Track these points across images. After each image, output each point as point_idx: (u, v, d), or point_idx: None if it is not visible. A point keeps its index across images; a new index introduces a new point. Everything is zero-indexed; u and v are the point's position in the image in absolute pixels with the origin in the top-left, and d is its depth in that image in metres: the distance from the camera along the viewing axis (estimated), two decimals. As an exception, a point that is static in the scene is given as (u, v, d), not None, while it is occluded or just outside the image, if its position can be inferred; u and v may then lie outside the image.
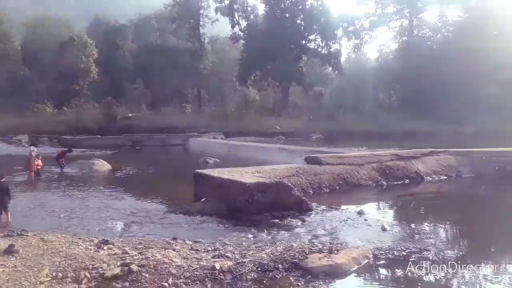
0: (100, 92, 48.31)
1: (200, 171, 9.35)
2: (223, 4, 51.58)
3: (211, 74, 56.50)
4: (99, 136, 33.28)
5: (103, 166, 16.13)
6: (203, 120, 45.19)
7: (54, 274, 4.08)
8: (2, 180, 7.56)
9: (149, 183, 13.15)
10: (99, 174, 14.59)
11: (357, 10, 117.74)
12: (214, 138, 34.47)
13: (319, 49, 53.35)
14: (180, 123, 41.94)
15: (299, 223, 7.63)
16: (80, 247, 5.04)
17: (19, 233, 5.58)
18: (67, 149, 17.70)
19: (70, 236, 5.83)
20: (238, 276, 4.59)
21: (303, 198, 8.69)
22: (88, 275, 4.10)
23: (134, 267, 4.24)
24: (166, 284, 4.06)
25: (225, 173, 9.00)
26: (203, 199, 8.84)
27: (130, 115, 41.74)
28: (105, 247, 5.12)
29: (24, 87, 44.69)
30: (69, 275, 4.08)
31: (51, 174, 14.35)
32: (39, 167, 13.51)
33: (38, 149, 15.07)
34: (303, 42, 52.67)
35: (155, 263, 4.48)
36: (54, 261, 4.39)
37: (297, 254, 5.28)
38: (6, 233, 5.60)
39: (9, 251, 4.58)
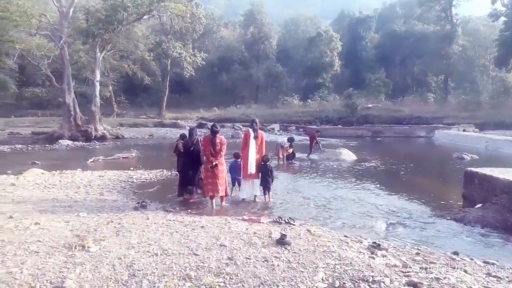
0: (341, 84, 49.65)
1: (474, 170, 7.58)
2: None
3: (460, 59, 49.89)
4: (340, 126, 33.96)
5: (348, 156, 15.87)
6: (449, 110, 40.36)
7: (330, 280, 3.52)
8: (267, 163, 8.06)
9: (399, 178, 11.96)
10: (345, 164, 14.33)
11: None
12: (464, 130, 30.23)
13: None
14: (422, 114, 38.78)
15: None
16: (352, 249, 4.41)
17: (287, 221, 5.47)
18: (315, 130, 19.10)
19: (336, 232, 5.35)
20: None
21: None
22: (368, 289, 3.37)
23: (426, 292, 3.28)
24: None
25: (512, 175, 6.98)
26: (479, 205, 7.12)
27: (370, 105, 41.11)
28: (379, 253, 4.34)
29: (277, 82, 50.26)
30: (346, 285, 3.44)
31: (302, 161, 14.96)
32: (288, 153, 14.27)
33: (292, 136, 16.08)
34: None
35: (451, 289, 3.39)
36: (328, 263, 3.87)
37: None
38: (274, 219, 5.58)
39: (282, 242, 4.36)
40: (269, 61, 51.19)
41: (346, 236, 5.05)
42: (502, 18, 46.14)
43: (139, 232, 4.84)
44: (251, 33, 52.44)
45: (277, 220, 5.49)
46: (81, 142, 22.43)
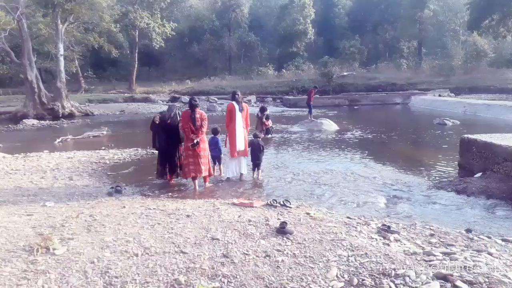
0: (315, 52, 48.84)
1: (472, 137, 7.18)
2: None
3: (432, 24, 49.83)
4: (318, 95, 33.43)
5: (330, 126, 15.43)
6: (423, 76, 40.56)
7: (346, 276, 2.99)
8: (258, 138, 7.64)
9: (386, 147, 11.57)
10: (328, 135, 13.87)
11: None
12: (439, 95, 30.44)
13: None
14: (397, 80, 38.76)
15: None
16: (362, 234, 3.89)
17: (282, 203, 4.89)
18: (314, 86, 18.96)
19: (337, 213, 4.83)
20: None
21: None
22: (392, 286, 2.85)
23: (461, 285, 2.79)
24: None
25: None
26: (478, 174, 6.77)
27: (345, 73, 40.69)
28: (391, 237, 3.85)
29: (250, 52, 48.99)
30: (366, 282, 2.91)
31: (283, 133, 14.39)
32: (267, 126, 13.59)
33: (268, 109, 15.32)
34: None
35: (486, 280, 2.91)
36: (340, 255, 3.33)
37: None
38: (268, 202, 4.98)
39: (283, 231, 3.78)
40: (241, 30, 49.60)
41: (350, 218, 4.54)
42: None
43: (114, 225, 4.16)
44: (221, 1, 50.45)
45: (272, 203, 4.90)
46: (47, 121, 21.09)
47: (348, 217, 4.55)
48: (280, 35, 48.35)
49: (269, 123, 13.74)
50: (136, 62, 41.04)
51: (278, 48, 50.11)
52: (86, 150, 11.28)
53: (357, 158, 9.55)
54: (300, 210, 4.76)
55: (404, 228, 4.35)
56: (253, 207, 4.78)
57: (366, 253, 3.34)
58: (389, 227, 4.13)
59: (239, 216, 4.35)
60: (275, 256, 3.31)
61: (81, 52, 38.45)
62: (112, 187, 6.65)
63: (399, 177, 7.43)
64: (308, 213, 4.52)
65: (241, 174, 7.41)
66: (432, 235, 4.11)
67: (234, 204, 4.96)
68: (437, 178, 7.36)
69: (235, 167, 7.39)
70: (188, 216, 4.42)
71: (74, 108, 24.79)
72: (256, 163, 7.55)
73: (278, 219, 4.21)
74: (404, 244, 3.72)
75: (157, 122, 7.09)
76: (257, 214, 4.46)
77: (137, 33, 39.47)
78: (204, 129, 6.74)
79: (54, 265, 3.24)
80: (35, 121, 20.50)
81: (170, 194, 6.48)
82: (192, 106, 6.65)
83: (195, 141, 6.56)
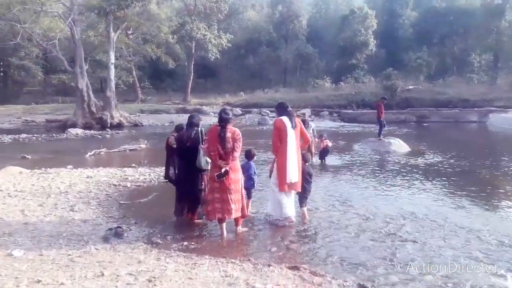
0: (376, 65, 45.91)
1: None
2: None
3: (507, 36, 44.86)
4: (381, 110, 30.65)
5: (400, 146, 12.96)
6: (501, 91, 36.16)
7: None
8: (306, 164, 5.70)
9: (480, 178, 8.89)
10: (399, 158, 11.39)
11: None
12: (524, 114, 26.51)
13: None
14: (470, 96, 34.80)
15: None
16: None
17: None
18: (381, 97, 15.33)
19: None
20: None
21: None
22: None
23: None
24: None
25: None
26: None
27: (411, 87, 37.32)
28: None
29: (307, 64, 47.10)
30: None
31: (345, 153, 12.20)
32: (325, 147, 10.68)
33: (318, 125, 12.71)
34: None
35: None
36: None
37: None
38: (320, 283, 2.90)
39: None
40: (299, 42, 47.93)
41: None
42: None
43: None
44: (279, 12, 49.14)
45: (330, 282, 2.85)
46: (92, 131, 20.39)
47: None
48: (339, 46, 46.08)
49: (326, 142, 10.78)
50: (192, 74, 40.55)
51: (336, 60, 47.82)
52: (114, 166, 9.93)
53: (445, 194, 7.12)
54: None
55: None
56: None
57: None
58: None
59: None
60: None
61: (139, 62, 38.78)
62: (110, 229, 4.93)
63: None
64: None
65: (288, 216, 5.38)
66: None
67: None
68: None
69: (281, 205, 5.33)
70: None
71: (123, 118, 24.12)
72: (302, 197, 5.57)
73: None
74: None
75: (174, 146, 5.33)
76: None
77: (193, 44, 38.96)
78: (237, 153, 4.82)
79: None
80: (79, 131, 19.85)
81: (185, 243, 4.62)
82: (223, 121, 4.77)
83: (223, 170, 4.67)
